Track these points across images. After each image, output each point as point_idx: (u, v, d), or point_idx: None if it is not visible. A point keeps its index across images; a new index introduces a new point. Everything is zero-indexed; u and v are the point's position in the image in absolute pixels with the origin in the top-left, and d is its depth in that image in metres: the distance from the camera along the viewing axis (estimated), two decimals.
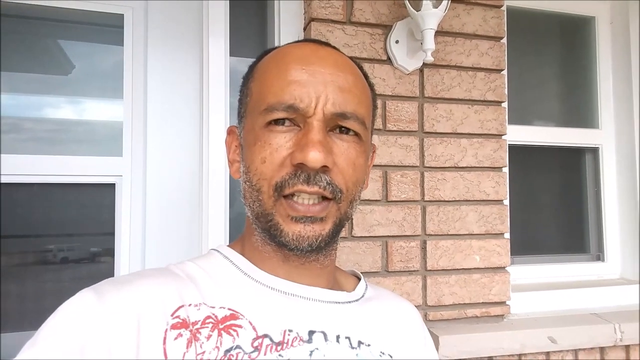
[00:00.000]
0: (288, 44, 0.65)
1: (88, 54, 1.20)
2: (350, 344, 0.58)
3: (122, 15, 1.17)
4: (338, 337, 0.58)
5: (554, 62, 1.60)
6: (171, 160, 1.18)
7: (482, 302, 1.21)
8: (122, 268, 1.14)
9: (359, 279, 0.71)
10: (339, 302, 0.62)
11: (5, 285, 1.12)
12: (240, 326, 0.53)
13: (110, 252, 1.16)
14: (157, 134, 1.18)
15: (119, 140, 1.17)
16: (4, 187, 1.11)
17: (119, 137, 1.17)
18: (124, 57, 1.17)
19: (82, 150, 1.17)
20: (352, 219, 1.11)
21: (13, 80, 1.15)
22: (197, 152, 1.19)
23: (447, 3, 1.06)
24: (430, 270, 1.18)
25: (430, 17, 1.04)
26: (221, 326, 0.53)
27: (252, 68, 0.65)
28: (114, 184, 1.16)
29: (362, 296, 0.67)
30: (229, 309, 0.55)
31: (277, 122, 0.56)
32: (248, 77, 0.64)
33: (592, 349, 1.23)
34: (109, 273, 1.16)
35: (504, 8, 1.29)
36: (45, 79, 1.18)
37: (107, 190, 1.16)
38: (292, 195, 0.55)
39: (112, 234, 1.16)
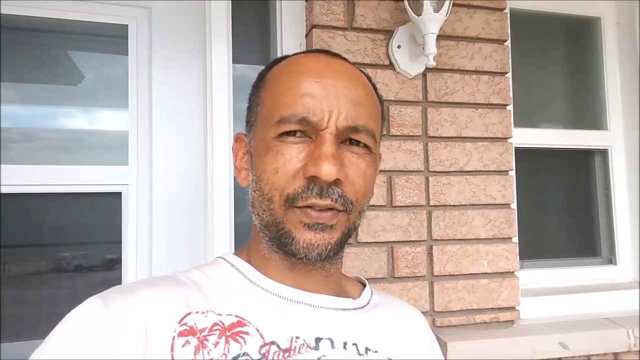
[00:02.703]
0: (299, 54, 0.65)
1: (97, 64, 1.22)
2: (358, 350, 0.58)
3: (127, 25, 1.19)
4: (345, 343, 0.58)
5: (560, 63, 1.59)
6: (176, 168, 1.19)
7: (491, 308, 1.20)
8: (129, 276, 1.15)
9: (365, 286, 0.71)
10: (345, 309, 0.62)
11: (20, 293, 1.13)
12: (247, 333, 0.54)
13: (118, 260, 1.17)
14: (162, 142, 1.19)
15: (126, 149, 1.18)
16: (18, 197, 1.13)
17: (126, 146, 1.18)
18: (129, 67, 1.19)
19: (91, 159, 1.19)
20: None
21: (25, 91, 1.17)
22: (202, 160, 1.20)
23: (448, 7, 1.06)
24: (437, 275, 1.17)
25: (432, 22, 1.04)
26: (228, 333, 0.53)
27: (262, 77, 0.65)
28: (121, 192, 1.17)
29: (368, 303, 0.67)
30: (236, 316, 0.55)
31: (288, 133, 0.56)
32: (258, 86, 0.64)
33: (605, 354, 1.21)
34: (117, 280, 1.16)
35: (507, 11, 1.28)
36: (56, 90, 1.20)
37: (114, 199, 1.17)
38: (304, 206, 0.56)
39: (120, 242, 1.16)
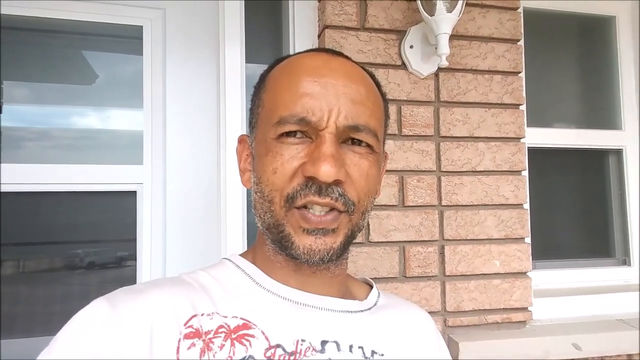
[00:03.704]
0: (299, 53, 0.64)
1: (111, 64, 1.24)
2: (364, 353, 0.58)
3: (141, 27, 1.21)
4: (351, 346, 0.57)
5: (574, 63, 1.57)
6: (190, 167, 1.20)
7: (503, 308, 1.19)
8: (144, 273, 1.17)
9: (372, 287, 0.70)
10: (351, 311, 0.62)
11: (33, 290, 1.16)
12: (252, 336, 0.53)
13: (132, 257, 1.19)
14: (176, 142, 1.20)
15: (140, 149, 1.20)
16: (32, 196, 1.15)
17: (140, 146, 1.20)
18: (143, 68, 1.20)
19: (105, 158, 1.21)
20: (368, 224, 1.12)
21: (40, 91, 1.20)
22: (215, 159, 1.21)
23: (461, 7, 1.06)
24: (449, 275, 1.17)
25: (444, 22, 1.04)
26: (234, 336, 0.53)
27: (263, 77, 0.64)
28: (135, 191, 1.19)
29: (375, 304, 0.66)
30: (242, 319, 0.55)
31: (288, 134, 0.56)
32: (260, 87, 0.64)
33: (618, 356, 1.20)
34: (132, 278, 1.18)
35: (520, 10, 1.28)
36: (70, 89, 1.22)
37: (129, 198, 1.19)
38: (304, 206, 0.55)
39: (135, 240, 1.18)
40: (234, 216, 1.14)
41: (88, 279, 1.21)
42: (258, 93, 0.63)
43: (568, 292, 1.35)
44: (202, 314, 0.54)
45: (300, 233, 0.55)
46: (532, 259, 1.24)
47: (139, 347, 0.49)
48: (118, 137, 1.23)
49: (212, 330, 0.52)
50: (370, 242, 1.13)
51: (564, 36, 1.56)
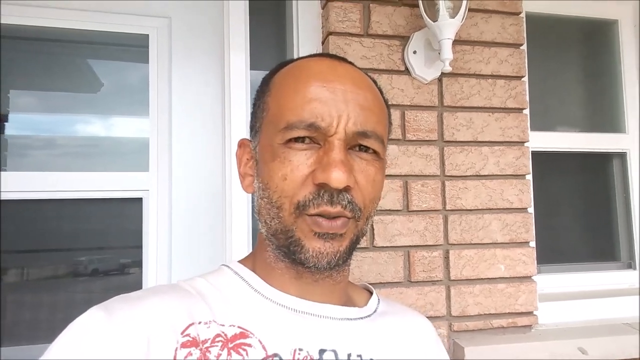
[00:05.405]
0: (304, 57, 0.64)
1: (116, 72, 1.25)
2: None
3: (147, 35, 1.22)
4: (349, 355, 0.57)
5: (577, 66, 1.58)
6: (195, 175, 1.21)
7: (509, 312, 1.19)
8: (149, 279, 1.18)
9: (372, 293, 0.70)
10: (350, 319, 0.61)
11: (37, 297, 1.17)
12: (250, 345, 0.53)
13: (138, 264, 1.20)
14: (181, 149, 1.21)
15: (146, 156, 1.21)
16: (38, 203, 1.16)
17: (146, 153, 1.21)
18: (149, 75, 1.21)
19: (111, 165, 1.21)
20: (372, 229, 1.12)
21: (46, 99, 1.21)
22: (221, 166, 1.22)
23: (464, 12, 1.07)
24: (453, 280, 1.17)
25: (447, 27, 1.05)
26: (231, 345, 0.52)
27: (267, 81, 0.64)
28: (141, 198, 1.19)
29: (375, 311, 0.66)
30: (239, 327, 0.54)
31: (296, 139, 0.55)
32: (263, 91, 0.63)
33: None
34: (137, 284, 1.19)
35: (522, 15, 1.28)
36: (75, 97, 1.23)
37: (134, 205, 1.20)
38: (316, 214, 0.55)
39: (140, 246, 1.19)
40: (239, 223, 1.15)
41: (93, 286, 1.21)
42: (262, 97, 0.63)
43: (573, 295, 1.35)
44: (199, 322, 0.53)
45: (311, 237, 0.55)
46: (537, 263, 1.24)
47: (135, 356, 0.48)
48: (124, 145, 1.24)
49: (209, 339, 0.52)
50: (375, 247, 1.13)
51: (567, 40, 1.56)
